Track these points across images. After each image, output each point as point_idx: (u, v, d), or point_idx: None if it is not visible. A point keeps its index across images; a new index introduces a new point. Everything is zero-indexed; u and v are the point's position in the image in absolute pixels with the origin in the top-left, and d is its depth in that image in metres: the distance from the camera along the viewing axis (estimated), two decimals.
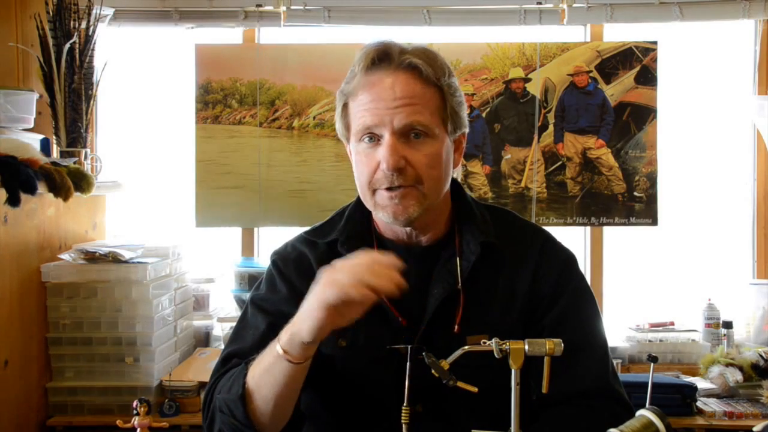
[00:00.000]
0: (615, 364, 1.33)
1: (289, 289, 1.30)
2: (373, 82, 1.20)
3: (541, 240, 1.32)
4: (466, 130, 1.30)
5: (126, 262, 2.34)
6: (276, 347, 1.12)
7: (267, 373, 1.15)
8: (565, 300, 1.27)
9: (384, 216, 1.23)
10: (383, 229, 1.31)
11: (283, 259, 1.36)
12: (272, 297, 1.32)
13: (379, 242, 1.31)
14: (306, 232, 1.38)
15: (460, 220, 1.30)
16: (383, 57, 1.20)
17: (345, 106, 1.26)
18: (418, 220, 1.23)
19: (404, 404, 1.06)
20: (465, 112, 1.28)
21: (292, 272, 1.32)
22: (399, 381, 1.09)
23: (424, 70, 1.20)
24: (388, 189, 1.20)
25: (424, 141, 1.20)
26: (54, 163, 2.18)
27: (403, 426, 1.07)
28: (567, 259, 1.32)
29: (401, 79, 1.19)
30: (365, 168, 1.22)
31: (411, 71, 1.20)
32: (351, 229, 1.32)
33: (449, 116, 1.24)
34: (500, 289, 1.27)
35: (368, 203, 1.26)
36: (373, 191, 1.22)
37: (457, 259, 1.26)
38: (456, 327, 1.23)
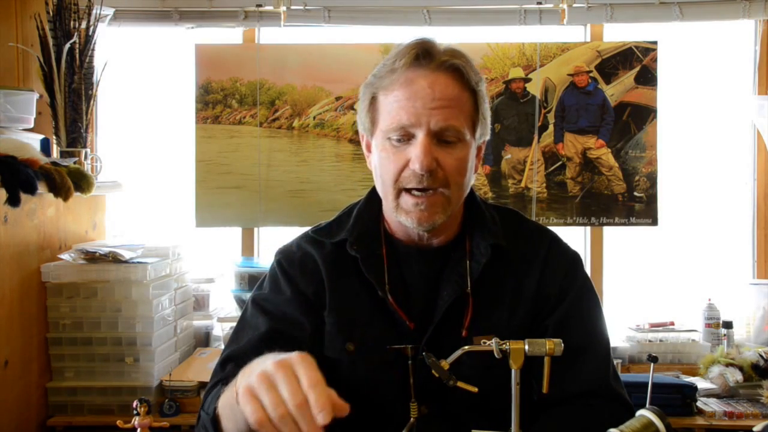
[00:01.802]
0: (615, 364, 1.33)
1: (293, 291, 1.28)
2: (412, 79, 1.17)
3: (548, 241, 1.32)
4: (488, 137, 1.28)
5: (126, 262, 2.34)
6: (236, 385, 0.94)
7: (229, 408, 1.01)
8: (570, 300, 1.26)
9: (406, 220, 1.20)
10: (395, 229, 1.29)
11: (287, 258, 1.32)
12: (275, 297, 1.29)
13: (389, 243, 1.29)
14: (312, 231, 1.34)
15: (471, 223, 1.29)
16: (426, 55, 1.18)
17: (373, 99, 1.22)
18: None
19: (411, 400, 1.06)
20: (490, 120, 1.27)
21: (297, 273, 1.29)
22: (404, 384, 1.08)
23: (466, 73, 1.18)
24: (414, 192, 1.18)
25: (455, 145, 1.18)
26: (54, 163, 2.18)
27: (412, 418, 1.07)
28: (572, 260, 1.32)
29: (441, 80, 1.17)
30: (392, 165, 1.19)
31: (451, 73, 1.18)
32: (361, 228, 1.29)
33: (479, 122, 1.22)
34: (508, 291, 1.26)
35: (389, 203, 1.23)
36: (398, 191, 1.20)
37: (467, 261, 1.25)
38: (464, 330, 1.21)
